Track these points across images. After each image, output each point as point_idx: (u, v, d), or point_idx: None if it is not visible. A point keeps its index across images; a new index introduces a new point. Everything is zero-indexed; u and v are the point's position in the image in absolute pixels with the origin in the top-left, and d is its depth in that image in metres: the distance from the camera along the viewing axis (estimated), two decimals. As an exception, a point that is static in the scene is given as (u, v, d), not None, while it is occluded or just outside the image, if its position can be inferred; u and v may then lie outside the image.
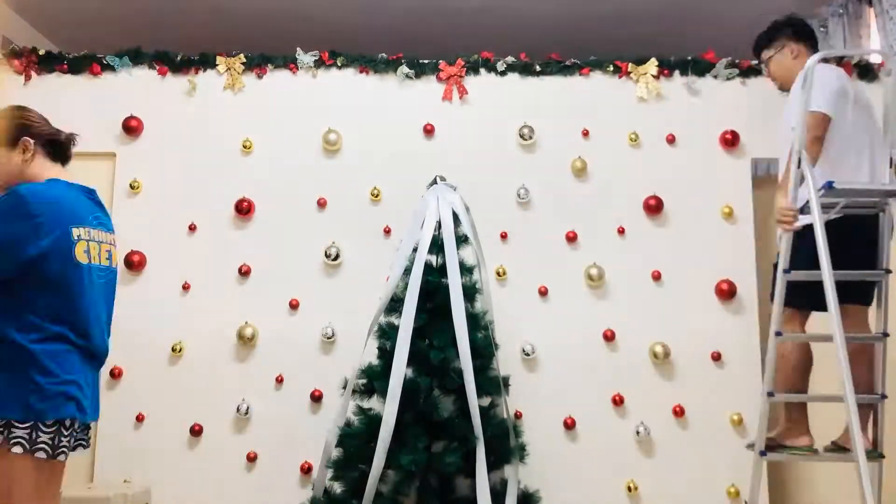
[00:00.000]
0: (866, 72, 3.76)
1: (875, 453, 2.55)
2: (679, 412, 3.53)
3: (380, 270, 3.48)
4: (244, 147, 3.69)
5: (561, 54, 3.83)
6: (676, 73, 3.80)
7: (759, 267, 3.62)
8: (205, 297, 3.58)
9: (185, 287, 3.59)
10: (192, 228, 3.63)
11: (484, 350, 3.12)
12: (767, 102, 3.76)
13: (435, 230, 3.15)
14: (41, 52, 3.73)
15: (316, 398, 3.51)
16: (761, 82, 3.76)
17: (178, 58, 3.75)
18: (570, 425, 3.52)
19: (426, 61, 3.79)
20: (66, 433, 1.96)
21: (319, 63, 3.78)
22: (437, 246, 3.21)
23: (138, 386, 3.50)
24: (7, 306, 1.95)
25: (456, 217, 3.20)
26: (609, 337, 3.58)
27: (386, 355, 3.11)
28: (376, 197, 3.68)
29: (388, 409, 2.88)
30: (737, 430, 3.52)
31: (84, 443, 2.11)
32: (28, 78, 3.71)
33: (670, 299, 3.62)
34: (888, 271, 2.58)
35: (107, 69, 3.74)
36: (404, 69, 3.76)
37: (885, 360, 2.62)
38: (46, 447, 1.92)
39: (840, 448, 2.60)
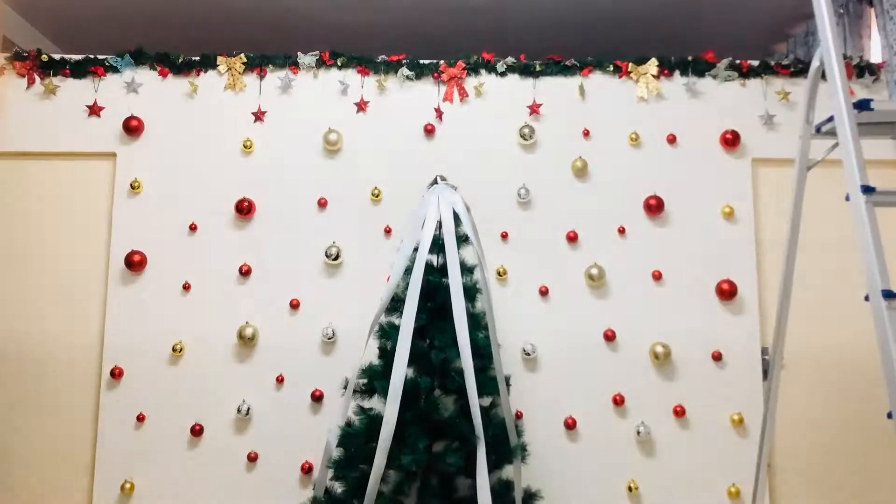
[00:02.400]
0: (866, 71, 3.77)
1: None
2: (679, 412, 3.53)
3: (380, 270, 3.49)
4: (244, 147, 3.69)
5: (561, 54, 3.83)
6: (676, 73, 3.80)
7: (759, 267, 3.63)
8: (205, 297, 3.59)
9: (186, 287, 3.59)
10: (192, 228, 3.64)
11: (484, 350, 3.12)
12: (767, 103, 3.77)
13: (435, 230, 3.15)
14: (44, 58, 3.73)
15: (316, 398, 3.51)
16: (761, 83, 3.76)
17: (180, 59, 3.76)
18: (570, 425, 3.52)
19: (426, 62, 3.79)
20: None
21: (319, 63, 3.78)
22: (437, 246, 3.21)
23: (138, 386, 3.50)
24: None
25: (457, 217, 3.19)
26: (609, 337, 3.58)
27: (386, 355, 3.11)
28: (376, 197, 3.69)
29: (389, 409, 2.87)
30: (737, 430, 3.52)
31: None
32: (32, 81, 3.71)
33: (670, 299, 3.62)
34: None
35: (109, 70, 3.75)
36: (405, 71, 3.76)
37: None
38: None
39: None
